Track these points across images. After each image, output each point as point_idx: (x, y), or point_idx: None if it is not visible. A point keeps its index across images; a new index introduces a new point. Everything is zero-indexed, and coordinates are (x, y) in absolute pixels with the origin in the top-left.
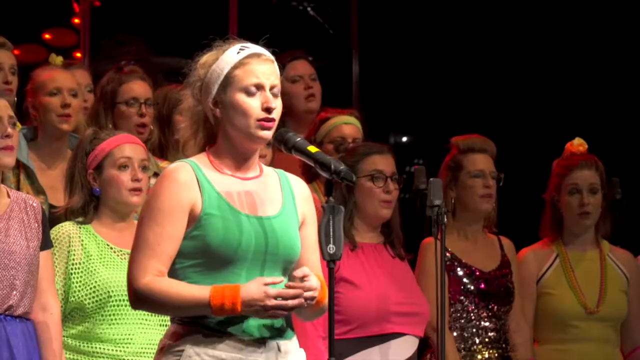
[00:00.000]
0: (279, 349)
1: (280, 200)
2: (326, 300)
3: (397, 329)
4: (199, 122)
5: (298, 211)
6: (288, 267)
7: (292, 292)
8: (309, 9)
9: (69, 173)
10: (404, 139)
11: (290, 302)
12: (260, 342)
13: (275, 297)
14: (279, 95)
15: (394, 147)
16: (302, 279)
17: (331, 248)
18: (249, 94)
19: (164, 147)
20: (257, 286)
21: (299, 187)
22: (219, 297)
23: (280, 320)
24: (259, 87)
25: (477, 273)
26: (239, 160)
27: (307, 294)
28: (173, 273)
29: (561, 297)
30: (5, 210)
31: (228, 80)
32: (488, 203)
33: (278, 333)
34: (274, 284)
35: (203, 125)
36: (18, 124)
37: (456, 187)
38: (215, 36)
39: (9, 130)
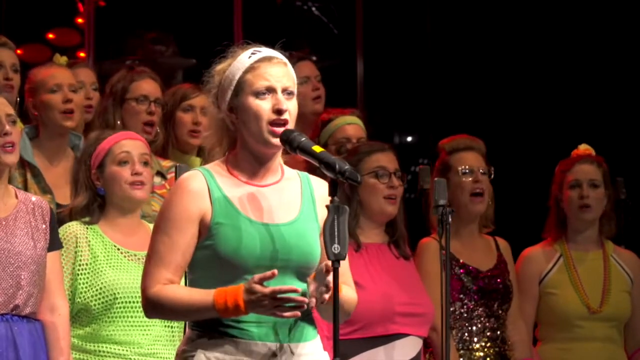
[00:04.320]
0: (291, 353)
1: (298, 206)
2: (351, 302)
3: (401, 329)
4: (222, 129)
5: (318, 216)
6: (305, 272)
7: (286, 287)
8: (313, 8)
9: (74, 176)
10: (409, 138)
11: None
12: (272, 347)
13: (273, 296)
14: (294, 96)
15: (399, 147)
16: (326, 272)
17: (336, 248)
18: (260, 97)
19: (165, 145)
20: (251, 287)
21: (321, 191)
22: (222, 300)
23: (295, 322)
24: (270, 89)
25: (475, 272)
26: (257, 166)
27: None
28: (189, 284)
29: (564, 297)
30: (12, 211)
31: (240, 86)
32: (480, 204)
33: (291, 336)
34: (264, 279)
35: (226, 132)
36: (19, 122)
37: (448, 188)
38: (219, 38)
39: (7, 127)
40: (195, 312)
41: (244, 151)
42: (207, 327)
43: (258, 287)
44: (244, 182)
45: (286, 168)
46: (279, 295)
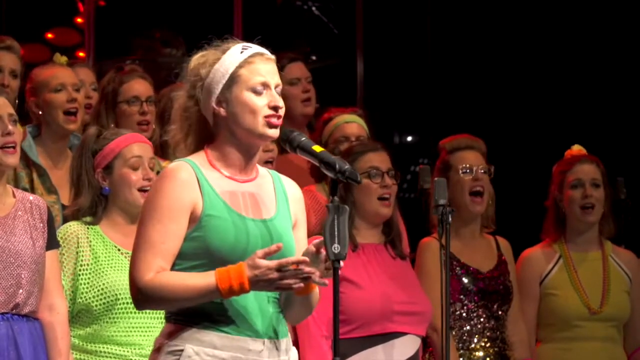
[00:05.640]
0: (277, 347)
1: (274, 203)
2: (314, 293)
3: (399, 328)
4: (192, 123)
5: (291, 213)
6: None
7: (292, 259)
8: (313, 8)
9: (75, 173)
10: (409, 138)
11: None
12: (259, 341)
13: (278, 269)
14: (281, 93)
15: (399, 147)
16: (317, 252)
17: (336, 247)
18: (256, 92)
19: (165, 145)
20: (255, 262)
21: (292, 189)
22: (226, 280)
23: (276, 318)
24: (265, 85)
25: (475, 273)
26: (241, 160)
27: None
28: None
29: (565, 298)
30: (10, 211)
31: (233, 80)
32: (479, 205)
33: (276, 331)
34: (269, 253)
35: (196, 126)
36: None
37: (448, 187)
38: (213, 36)
39: (10, 128)
40: (196, 296)
41: (229, 145)
42: (193, 320)
43: (263, 262)
44: (227, 176)
45: (258, 166)
46: (285, 268)
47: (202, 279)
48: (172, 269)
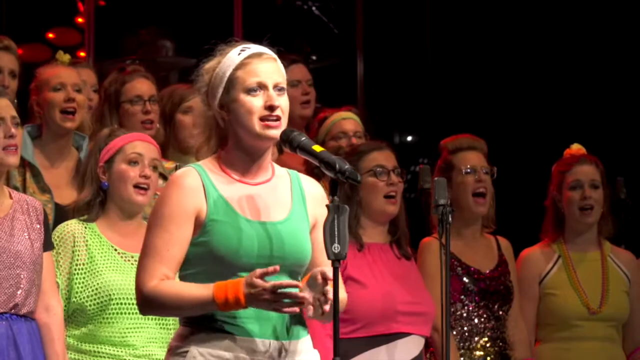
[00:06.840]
0: (284, 349)
1: (289, 204)
2: (344, 302)
3: (403, 328)
4: (211, 127)
5: (309, 214)
6: (298, 271)
7: (286, 282)
8: (313, 8)
9: (82, 169)
10: (409, 138)
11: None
12: (265, 343)
13: (273, 290)
14: (285, 92)
15: (399, 146)
16: (323, 281)
17: (336, 247)
18: (252, 93)
19: (165, 146)
20: (252, 281)
21: (311, 189)
22: (222, 293)
23: (287, 319)
24: (262, 86)
25: (476, 273)
26: (250, 163)
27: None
28: (179, 280)
29: (564, 298)
30: (8, 212)
31: (231, 82)
32: (482, 206)
33: (284, 333)
34: (266, 274)
35: (215, 130)
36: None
37: (450, 187)
38: (219, 38)
39: (13, 130)
40: (195, 306)
41: (237, 148)
42: (200, 323)
43: (259, 282)
44: (237, 180)
45: (276, 166)
46: (280, 290)
47: (200, 290)
48: (179, 274)
